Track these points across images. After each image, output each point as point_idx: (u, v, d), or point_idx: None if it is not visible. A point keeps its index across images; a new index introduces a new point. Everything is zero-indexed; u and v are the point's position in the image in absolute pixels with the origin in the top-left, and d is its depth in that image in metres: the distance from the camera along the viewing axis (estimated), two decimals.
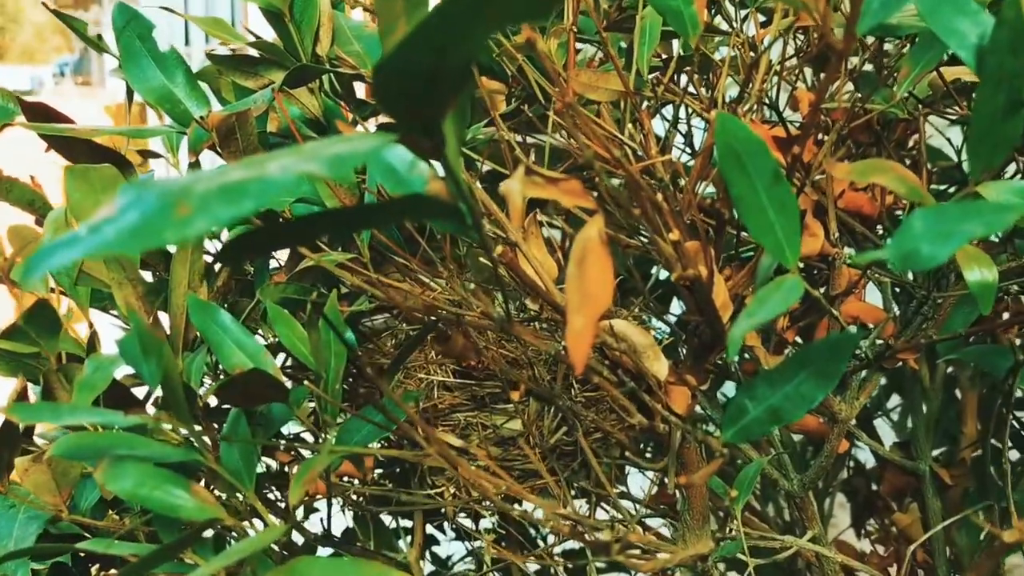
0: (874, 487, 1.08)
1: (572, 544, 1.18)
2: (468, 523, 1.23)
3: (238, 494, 0.52)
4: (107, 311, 0.78)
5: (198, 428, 0.51)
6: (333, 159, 0.32)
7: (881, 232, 0.77)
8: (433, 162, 0.38)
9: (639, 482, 1.36)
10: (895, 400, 1.09)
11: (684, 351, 0.66)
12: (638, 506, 1.01)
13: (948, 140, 0.96)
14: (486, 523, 1.15)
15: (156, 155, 0.79)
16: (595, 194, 0.74)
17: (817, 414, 0.79)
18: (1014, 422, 0.90)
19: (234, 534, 0.56)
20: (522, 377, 0.76)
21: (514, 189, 0.44)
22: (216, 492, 0.56)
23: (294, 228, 0.35)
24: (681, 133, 0.72)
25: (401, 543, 1.12)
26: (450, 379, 0.96)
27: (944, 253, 0.38)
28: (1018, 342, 0.74)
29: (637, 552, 0.58)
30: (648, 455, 1.09)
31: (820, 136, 0.69)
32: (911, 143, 0.82)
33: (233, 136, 0.63)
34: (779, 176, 0.44)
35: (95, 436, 0.51)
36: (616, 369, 0.58)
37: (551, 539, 1.17)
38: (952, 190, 0.90)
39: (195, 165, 0.73)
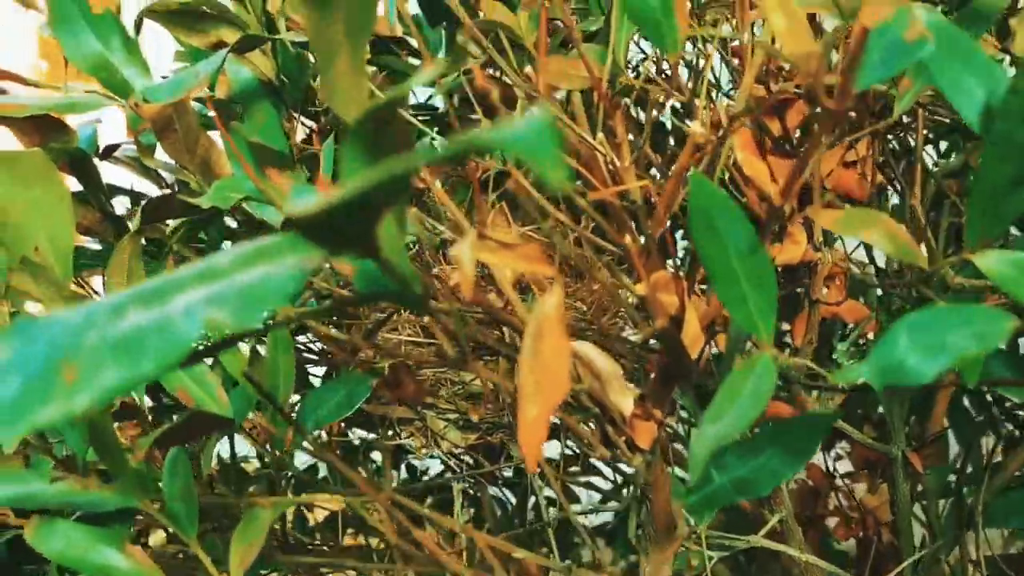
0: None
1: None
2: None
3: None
4: None
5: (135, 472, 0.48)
6: (242, 298, 0.27)
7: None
8: None
9: None
10: None
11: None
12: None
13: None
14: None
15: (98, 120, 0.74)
16: (555, 259, 0.68)
17: (791, 404, 0.77)
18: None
19: None
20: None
21: (465, 255, 0.39)
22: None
23: None
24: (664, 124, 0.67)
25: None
26: (419, 338, 0.94)
27: (932, 369, 0.34)
28: None
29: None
30: None
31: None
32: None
33: (171, 127, 0.57)
34: (756, 248, 0.40)
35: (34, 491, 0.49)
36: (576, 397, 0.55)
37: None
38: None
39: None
